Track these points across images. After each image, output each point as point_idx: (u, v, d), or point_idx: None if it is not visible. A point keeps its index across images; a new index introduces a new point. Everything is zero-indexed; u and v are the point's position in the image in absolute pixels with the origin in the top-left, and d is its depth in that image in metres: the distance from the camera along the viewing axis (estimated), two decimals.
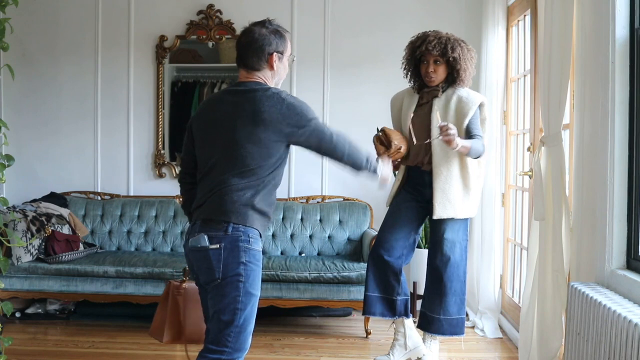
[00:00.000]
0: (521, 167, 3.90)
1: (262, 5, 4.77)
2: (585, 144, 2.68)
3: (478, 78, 4.19)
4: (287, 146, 2.24)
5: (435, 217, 3.17)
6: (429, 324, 3.30)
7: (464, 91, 3.22)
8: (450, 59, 3.16)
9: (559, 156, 2.73)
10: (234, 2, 4.84)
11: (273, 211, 2.30)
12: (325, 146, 2.26)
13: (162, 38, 4.81)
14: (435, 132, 3.10)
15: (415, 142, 3.20)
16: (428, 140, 3.16)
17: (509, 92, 4.17)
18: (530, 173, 3.25)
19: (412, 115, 3.28)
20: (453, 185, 3.17)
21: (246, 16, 4.78)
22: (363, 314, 3.41)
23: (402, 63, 3.35)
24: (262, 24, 2.32)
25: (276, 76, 2.33)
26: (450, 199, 3.16)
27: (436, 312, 3.26)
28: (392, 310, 3.35)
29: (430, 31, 3.26)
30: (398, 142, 3.16)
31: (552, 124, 2.77)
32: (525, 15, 3.85)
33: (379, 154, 3.18)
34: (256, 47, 2.26)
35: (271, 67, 2.29)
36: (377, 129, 3.36)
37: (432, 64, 3.19)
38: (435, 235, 3.28)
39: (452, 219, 3.21)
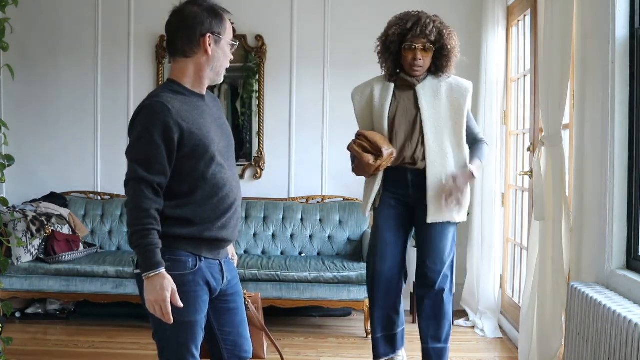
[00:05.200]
0: (521, 167, 3.90)
1: (262, 5, 4.77)
2: (585, 144, 2.68)
3: (478, 78, 4.19)
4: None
5: (429, 220, 2.79)
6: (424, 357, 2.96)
7: (451, 78, 2.90)
8: (448, 46, 2.81)
9: (559, 156, 2.73)
10: (233, 2, 4.82)
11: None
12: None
13: (162, 38, 4.79)
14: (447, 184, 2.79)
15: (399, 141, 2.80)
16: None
17: (509, 92, 4.16)
18: (530, 173, 3.25)
19: (388, 107, 2.86)
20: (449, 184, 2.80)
21: (246, 16, 4.82)
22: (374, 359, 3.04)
23: (379, 45, 2.91)
24: (195, 1, 1.97)
25: (212, 62, 1.98)
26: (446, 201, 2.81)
27: (429, 340, 2.94)
28: (392, 345, 3.02)
29: (416, 11, 2.85)
30: (387, 146, 2.75)
31: (552, 124, 2.77)
32: (525, 15, 3.85)
33: (367, 165, 2.76)
34: (186, 28, 1.94)
35: (205, 52, 1.96)
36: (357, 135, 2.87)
37: (421, 50, 2.79)
38: (423, 246, 2.91)
39: (441, 227, 2.85)
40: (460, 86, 2.89)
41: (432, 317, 2.91)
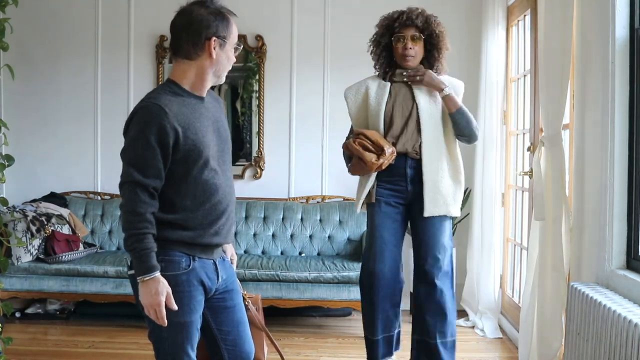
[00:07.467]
0: (521, 167, 3.90)
1: (262, 5, 4.77)
2: (585, 144, 2.68)
3: (478, 78, 4.20)
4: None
5: (426, 214, 2.81)
6: (431, 354, 2.89)
7: (444, 76, 2.93)
8: (435, 33, 2.84)
9: (559, 156, 2.73)
10: (233, 2, 4.83)
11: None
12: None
13: (162, 38, 4.80)
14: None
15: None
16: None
17: (509, 92, 4.16)
18: (530, 173, 3.25)
19: (385, 105, 2.88)
20: (444, 177, 2.85)
21: (246, 16, 4.81)
22: None
23: (372, 43, 2.97)
24: (202, 3, 1.95)
25: (215, 65, 1.97)
26: (442, 193, 2.83)
27: (437, 336, 2.89)
28: (390, 347, 2.97)
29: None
30: (388, 145, 2.78)
31: (552, 124, 2.77)
32: (525, 15, 3.85)
33: (370, 164, 2.77)
34: (192, 31, 1.91)
35: (210, 56, 1.94)
36: (352, 133, 2.89)
37: (410, 40, 2.83)
38: (422, 240, 2.89)
39: (439, 221, 2.87)
40: (452, 83, 2.94)
41: (439, 313, 2.87)
